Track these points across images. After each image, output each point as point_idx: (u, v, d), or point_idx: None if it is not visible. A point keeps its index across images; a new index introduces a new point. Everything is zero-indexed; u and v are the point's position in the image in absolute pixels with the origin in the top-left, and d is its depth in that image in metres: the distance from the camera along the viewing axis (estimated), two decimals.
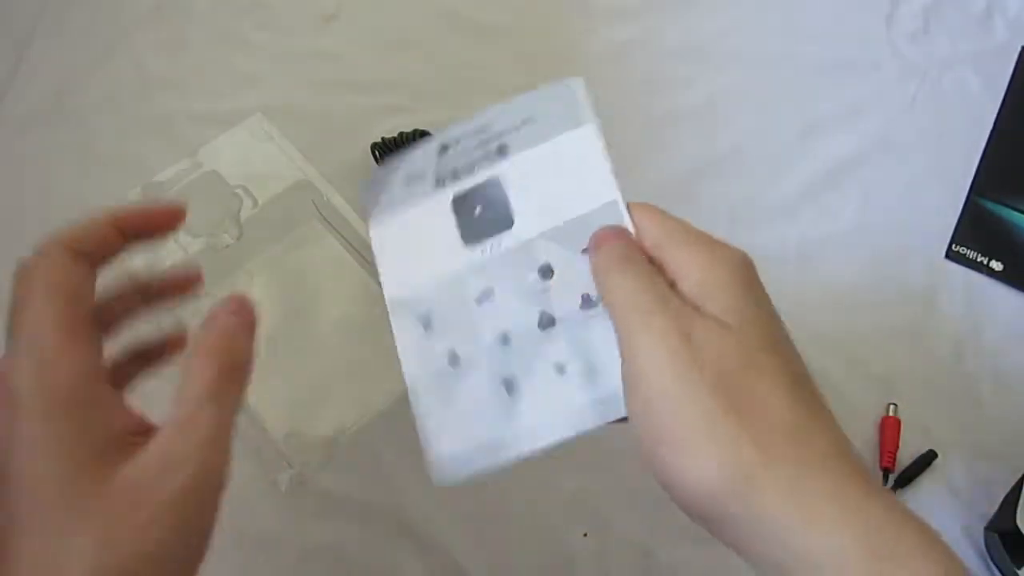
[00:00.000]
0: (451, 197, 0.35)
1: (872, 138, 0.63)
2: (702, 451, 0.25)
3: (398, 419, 0.43)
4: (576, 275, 0.32)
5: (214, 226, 0.57)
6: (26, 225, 0.59)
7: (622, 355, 0.28)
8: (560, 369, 0.31)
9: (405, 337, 0.35)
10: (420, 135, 0.57)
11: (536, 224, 0.33)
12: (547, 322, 0.32)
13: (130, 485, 0.24)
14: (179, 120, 0.62)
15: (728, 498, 0.24)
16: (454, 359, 0.33)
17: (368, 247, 0.38)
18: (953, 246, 0.59)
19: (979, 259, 0.58)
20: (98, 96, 0.63)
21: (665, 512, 0.49)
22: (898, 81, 0.65)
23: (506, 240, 0.34)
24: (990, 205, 0.60)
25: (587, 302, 0.31)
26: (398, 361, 0.35)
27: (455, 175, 0.36)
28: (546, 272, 0.32)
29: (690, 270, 0.28)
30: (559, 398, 0.31)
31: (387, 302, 0.36)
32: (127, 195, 0.58)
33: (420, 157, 0.37)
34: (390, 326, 0.35)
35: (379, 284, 0.36)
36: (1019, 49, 0.65)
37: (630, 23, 0.68)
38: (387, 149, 0.57)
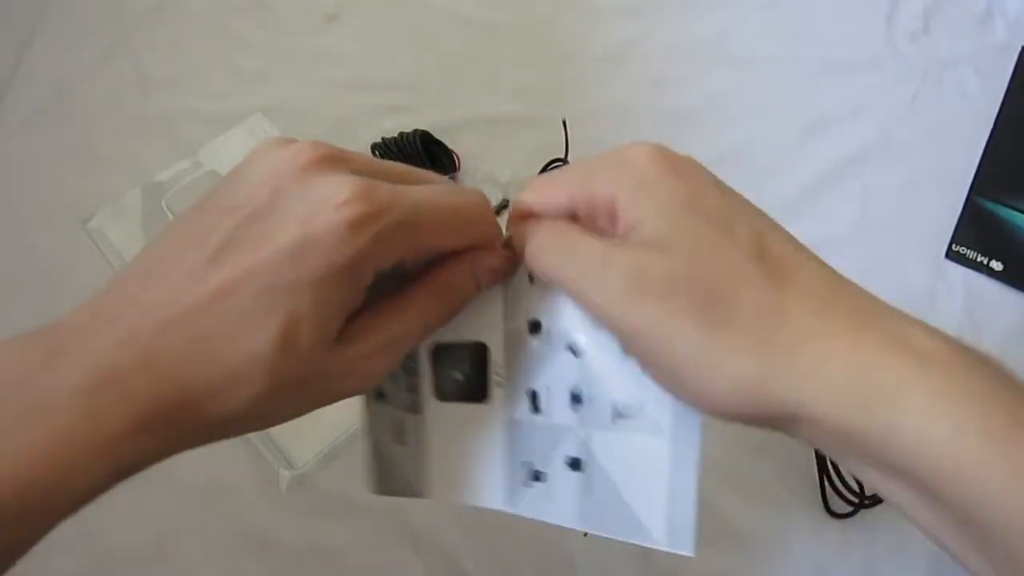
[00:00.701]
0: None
1: (872, 138, 0.63)
2: (715, 368, 0.24)
3: None
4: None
5: None
6: (26, 225, 0.59)
7: (613, 324, 0.26)
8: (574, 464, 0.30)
9: None
10: (420, 135, 0.58)
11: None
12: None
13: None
14: (179, 120, 0.62)
15: (760, 404, 0.24)
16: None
17: None
18: (953, 246, 0.58)
19: (979, 259, 0.58)
20: (98, 96, 0.63)
21: None
22: (898, 81, 0.65)
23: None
24: (990, 205, 0.60)
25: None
26: None
27: None
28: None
29: (600, 205, 0.27)
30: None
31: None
32: (127, 195, 0.58)
33: None
34: None
35: None
36: (1019, 49, 0.65)
37: (630, 23, 0.68)
38: (387, 149, 0.58)
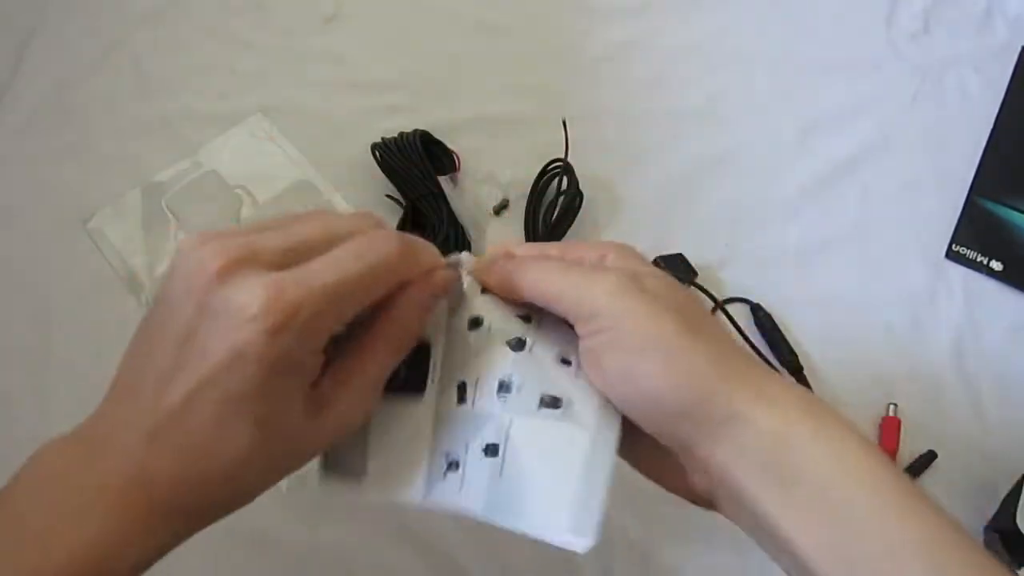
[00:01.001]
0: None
1: (872, 138, 0.63)
2: (685, 357, 0.28)
3: None
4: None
5: (214, 226, 0.57)
6: (26, 225, 0.59)
7: (580, 326, 0.30)
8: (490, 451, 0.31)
9: None
10: (420, 135, 0.58)
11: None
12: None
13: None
14: (179, 120, 0.62)
15: (710, 397, 0.28)
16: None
17: None
18: (953, 246, 0.59)
19: (979, 259, 0.58)
20: (98, 96, 0.63)
21: (665, 512, 0.49)
22: (898, 81, 0.65)
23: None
24: (990, 205, 0.60)
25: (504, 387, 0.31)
26: None
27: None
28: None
29: (585, 257, 0.32)
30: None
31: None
32: (127, 195, 0.58)
33: None
34: None
35: None
36: (1019, 49, 0.65)
37: (630, 23, 0.68)
38: (387, 149, 0.57)
